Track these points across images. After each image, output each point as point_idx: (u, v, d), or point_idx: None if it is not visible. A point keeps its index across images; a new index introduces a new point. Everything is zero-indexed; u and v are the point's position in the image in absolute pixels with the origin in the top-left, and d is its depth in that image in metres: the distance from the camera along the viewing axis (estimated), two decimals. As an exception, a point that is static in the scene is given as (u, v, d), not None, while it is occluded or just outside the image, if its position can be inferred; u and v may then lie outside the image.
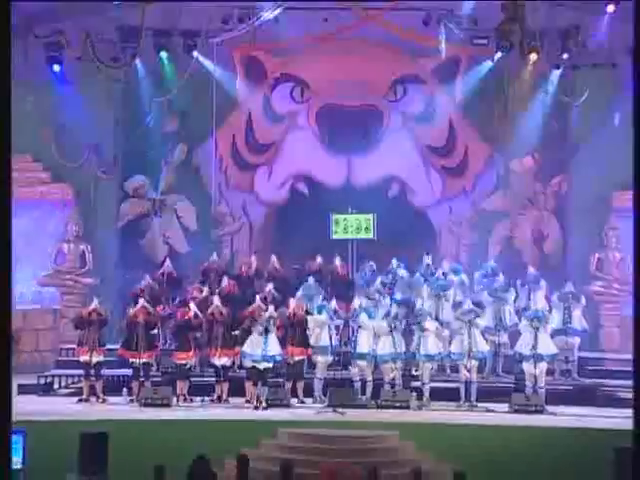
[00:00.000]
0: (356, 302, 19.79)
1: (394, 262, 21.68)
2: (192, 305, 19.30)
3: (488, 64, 23.63)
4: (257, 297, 19.61)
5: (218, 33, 23.12)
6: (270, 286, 20.31)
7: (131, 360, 19.20)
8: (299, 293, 20.31)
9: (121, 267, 23.89)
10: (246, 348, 18.26)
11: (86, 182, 24.48)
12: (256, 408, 18.11)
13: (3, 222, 4.14)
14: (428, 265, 21.68)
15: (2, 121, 4.16)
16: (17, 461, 14.20)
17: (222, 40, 23.35)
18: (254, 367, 18.19)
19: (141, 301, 19.63)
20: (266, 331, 18.16)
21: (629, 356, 22.47)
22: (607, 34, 22.04)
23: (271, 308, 18.72)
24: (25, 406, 18.29)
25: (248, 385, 18.66)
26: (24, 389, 20.07)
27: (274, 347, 18.27)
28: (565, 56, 22.49)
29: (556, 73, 23.06)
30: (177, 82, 23.57)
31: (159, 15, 22.52)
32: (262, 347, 18.11)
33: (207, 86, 24.18)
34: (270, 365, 18.26)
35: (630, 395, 19.96)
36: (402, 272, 21.40)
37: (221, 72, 24.38)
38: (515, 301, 20.74)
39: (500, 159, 24.96)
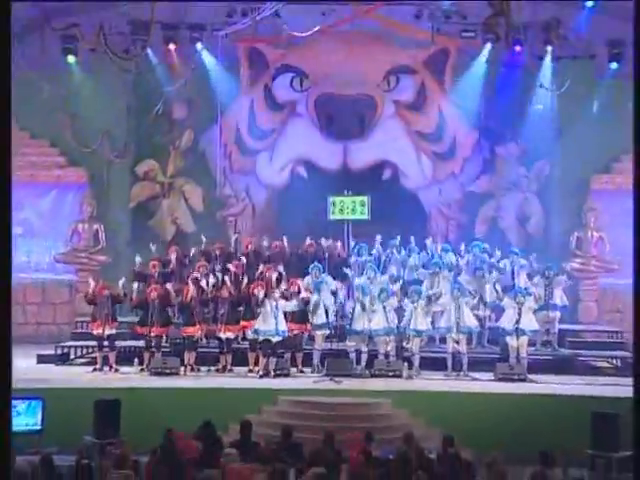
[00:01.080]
0: (351, 279, 19.83)
1: (395, 240, 21.67)
2: (201, 283, 19.32)
3: (476, 56, 23.60)
4: (261, 275, 19.63)
5: (222, 26, 23.08)
6: (271, 265, 20.28)
7: (144, 333, 19.25)
8: (298, 271, 20.29)
9: (132, 245, 23.88)
10: (259, 324, 18.26)
11: (100, 166, 24.50)
12: (263, 377, 18.19)
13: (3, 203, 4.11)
14: (424, 246, 21.71)
15: (2, 120, 4.13)
16: (37, 423, 14.35)
17: (226, 33, 23.32)
18: (267, 340, 18.26)
19: (152, 279, 19.68)
20: (277, 307, 18.24)
21: (605, 328, 22.77)
22: (587, 27, 22.02)
23: (276, 287, 18.73)
24: (44, 374, 18.46)
25: (252, 356, 18.75)
26: (43, 359, 20.19)
27: (283, 322, 18.36)
28: (548, 48, 22.47)
29: (539, 64, 23.02)
30: (184, 72, 23.51)
31: (168, 10, 22.50)
32: (274, 322, 18.19)
33: (212, 76, 24.19)
34: (280, 338, 18.34)
35: (605, 364, 20.21)
36: (395, 251, 21.42)
37: (225, 63, 24.35)
38: (498, 278, 20.75)
39: (486, 144, 24.96)
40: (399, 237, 21.68)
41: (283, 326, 18.29)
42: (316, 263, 20.23)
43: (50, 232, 24.62)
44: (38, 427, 14.40)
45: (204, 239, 22.25)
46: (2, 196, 4.08)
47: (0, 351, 4.06)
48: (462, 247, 21.54)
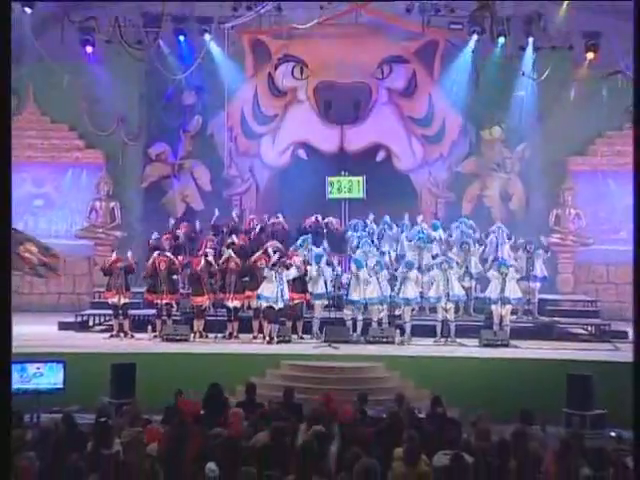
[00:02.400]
0: (348, 253, 19.85)
1: (386, 217, 21.72)
2: (209, 256, 19.33)
3: (463, 46, 23.53)
4: (264, 249, 19.65)
5: (229, 19, 22.99)
6: (274, 240, 20.29)
7: (155, 302, 19.30)
8: (297, 245, 20.30)
9: (145, 222, 23.90)
10: (263, 292, 18.35)
11: (115, 148, 24.47)
12: (269, 342, 18.24)
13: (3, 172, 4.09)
14: (413, 220, 21.74)
15: (2, 118, 4.09)
16: (57, 383, 14.43)
17: (232, 25, 23.25)
18: (271, 307, 18.30)
19: (162, 251, 19.70)
20: (281, 278, 18.29)
21: (581, 297, 22.81)
22: (564, 20, 21.97)
23: (275, 258, 18.75)
24: (64, 340, 18.55)
25: (256, 323, 18.79)
26: (64, 326, 20.28)
27: (286, 290, 18.39)
28: (529, 39, 22.39)
29: (521, 54, 22.95)
30: (193, 62, 23.46)
31: (178, 3, 22.49)
32: (278, 291, 18.23)
33: (219, 65, 24.12)
34: (283, 305, 18.38)
35: (581, 330, 20.26)
36: (388, 227, 21.46)
37: (231, 53, 24.26)
38: (484, 252, 20.79)
39: (472, 129, 24.90)
40: (390, 215, 21.74)
41: (286, 294, 18.35)
42: (306, 236, 20.31)
43: (68, 205, 24.68)
44: (60, 386, 14.46)
45: (217, 213, 22.35)
46: (2, 194, 4.04)
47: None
48: (453, 226, 21.58)
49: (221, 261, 19.21)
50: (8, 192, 4.04)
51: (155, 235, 20.97)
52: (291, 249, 19.88)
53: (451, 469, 8.59)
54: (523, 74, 23.15)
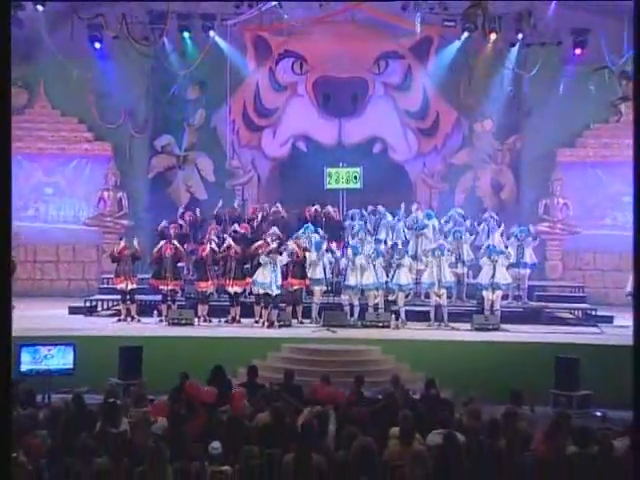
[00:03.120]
0: (345, 241, 19.86)
1: (380, 207, 21.73)
2: (213, 244, 19.38)
3: (456, 43, 23.50)
4: (264, 237, 19.65)
5: (231, 16, 22.93)
6: (274, 228, 20.29)
7: (160, 287, 19.30)
8: (299, 234, 20.30)
9: (151, 211, 23.90)
10: (258, 278, 18.38)
11: (123, 140, 24.52)
12: (269, 327, 18.27)
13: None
14: (408, 210, 21.76)
15: (2, 115, 4.09)
16: (67, 364, 14.47)
17: (235, 22, 23.20)
18: (266, 294, 18.33)
19: (168, 239, 19.70)
20: (275, 264, 18.31)
21: (568, 283, 22.88)
22: (554, 18, 21.95)
23: (274, 246, 18.76)
24: (74, 324, 18.55)
25: (257, 308, 18.82)
26: (74, 310, 20.29)
27: (279, 277, 18.41)
28: (519, 36, 22.32)
29: (512, 50, 22.94)
30: (197, 58, 23.45)
31: (182, 2, 22.43)
32: (272, 277, 18.25)
33: (222, 61, 24.08)
34: (279, 292, 18.40)
35: (568, 315, 20.30)
36: (383, 216, 21.47)
37: (234, 49, 24.23)
38: (476, 240, 20.79)
39: (465, 122, 24.89)
40: (386, 204, 21.76)
41: (279, 280, 18.37)
42: (308, 225, 20.32)
43: (76, 194, 24.70)
44: (70, 367, 14.49)
45: (221, 203, 22.38)
46: (3, 189, 4.04)
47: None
48: (446, 215, 21.62)
49: (222, 248, 19.23)
50: (8, 190, 4.02)
51: (164, 223, 20.96)
52: (293, 237, 19.87)
53: (444, 448, 8.62)
54: (513, 69, 23.17)
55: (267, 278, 18.24)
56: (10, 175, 4.11)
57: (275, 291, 18.27)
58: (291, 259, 18.77)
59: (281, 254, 18.55)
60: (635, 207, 4.09)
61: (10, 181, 4.09)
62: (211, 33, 23.26)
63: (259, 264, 18.44)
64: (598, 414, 12.07)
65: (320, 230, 20.39)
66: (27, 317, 18.22)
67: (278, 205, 22.00)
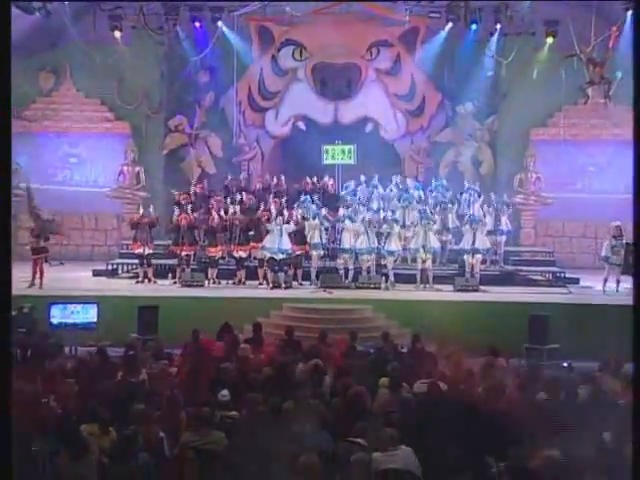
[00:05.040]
0: (341, 211, 19.87)
1: (375, 180, 21.70)
2: (222, 212, 19.40)
3: (441, 33, 23.39)
4: (268, 206, 19.66)
5: (237, 8, 22.83)
6: (277, 199, 20.29)
7: (178, 252, 19.28)
8: (298, 204, 20.30)
9: (166, 184, 23.87)
10: (266, 244, 18.41)
11: (140, 120, 24.51)
12: (273, 288, 18.28)
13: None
14: (397, 183, 21.77)
15: (2, 118, 3.98)
16: (88, 318, 14.60)
17: (240, 13, 23.12)
18: (272, 258, 18.36)
19: (183, 208, 19.71)
20: (281, 231, 18.33)
21: (540, 249, 22.93)
22: (528, 10, 21.86)
23: (274, 213, 18.76)
24: (98, 285, 18.62)
25: (261, 271, 18.85)
26: (97, 273, 20.39)
27: (286, 243, 18.42)
28: (498, 26, 22.24)
29: (491, 39, 22.83)
30: (207, 45, 23.39)
31: (193, -5, 22.37)
32: (278, 243, 18.28)
33: (230, 48, 23.97)
34: (284, 256, 18.42)
35: (540, 277, 20.35)
36: (375, 188, 21.47)
37: (240, 38, 24.12)
38: (457, 210, 20.80)
39: (449, 104, 24.77)
40: (377, 177, 21.73)
41: (286, 245, 18.40)
42: (307, 196, 20.32)
43: (96, 164, 24.69)
44: (93, 321, 14.57)
45: (229, 177, 22.47)
46: (3, 190, 3.99)
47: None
48: (431, 187, 21.62)
49: (228, 215, 19.28)
50: (8, 188, 3.99)
51: (177, 193, 21.01)
52: (294, 207, 19.85)
53: (429, 395, 8.69)
54: (492, 56, 23.09)
55: (274, 244, 18.28)
56: (10, 175, 4.07)
57: (280, 256, 18.30)
58: (297, 227, 18.81)
59: (288, 222, 18.58)
60: (634, 204, 4.09)
61: (10, 180, 4.05)
62: (219, 23, 23.14)
63: (267, 231, 18.47)
64: (565, 365, 12.12)
65: (317, 200, 20.40)
66: (55, 278, 18.31)
67: (282, 177, 22.04)
